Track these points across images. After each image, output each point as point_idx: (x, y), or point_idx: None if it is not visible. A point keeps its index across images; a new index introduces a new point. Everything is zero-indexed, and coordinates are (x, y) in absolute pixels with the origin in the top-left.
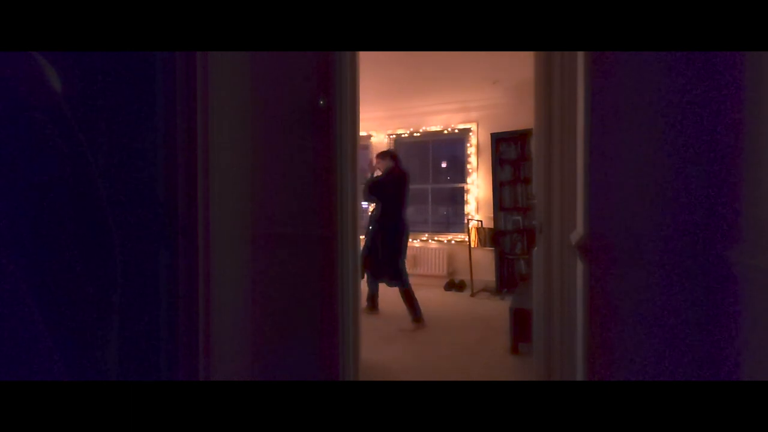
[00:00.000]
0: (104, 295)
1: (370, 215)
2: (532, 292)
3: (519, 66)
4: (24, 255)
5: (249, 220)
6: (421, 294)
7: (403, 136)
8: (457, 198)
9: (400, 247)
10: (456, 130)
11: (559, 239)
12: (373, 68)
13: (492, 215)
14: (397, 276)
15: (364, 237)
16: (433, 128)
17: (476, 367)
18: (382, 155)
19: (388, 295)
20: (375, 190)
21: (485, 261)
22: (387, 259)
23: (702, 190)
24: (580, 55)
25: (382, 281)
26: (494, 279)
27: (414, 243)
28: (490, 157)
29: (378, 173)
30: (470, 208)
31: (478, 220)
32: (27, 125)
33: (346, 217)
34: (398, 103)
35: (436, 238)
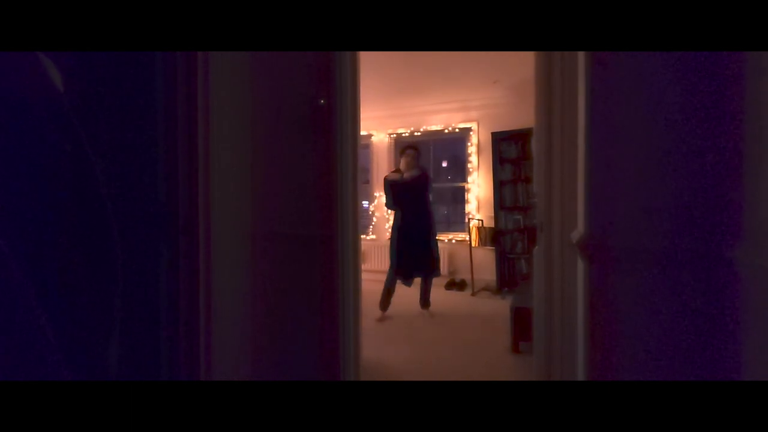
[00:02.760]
0: (105, 295)
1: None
2: (533, 291)
3: (519, 65)
4: (26, 254)
5: (250, 219)
6: None
7: (403, 135)
8: (458, 197)
9: (430, 238)
10: (456, 130)
11: (560, 238)
12: (374, 68)
13: (493, 214)
14: (434, 268)
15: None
16: (434, 127)
17: (477, 366)
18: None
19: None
20: (393, 200)
21: (486, 260)
22: (424, 252)
23: (703, 188)
24: (581, 55)
25: (418, 276)
26: (495, 278)
27: None
28: (491, 157)
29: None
30: (471, 207)
31: (478, 220)
32: (28, 124)
33: (346, 217)
34: (399, 103)
35: (437, 238)
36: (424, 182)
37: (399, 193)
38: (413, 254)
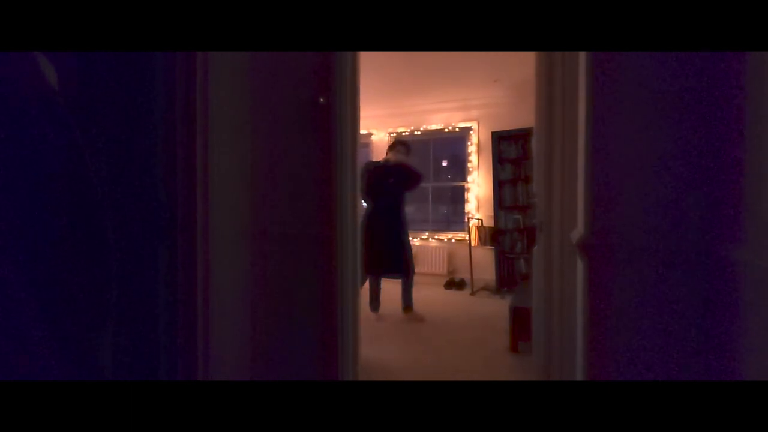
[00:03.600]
0: (101, 295)
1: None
2: (532, 291)
3: (520, 65)
4: (20, 254)
5: (248, 219)
6: (421, 292)
7: (403, 134)
8: (458, 196)
9: (405, 238)
10: (457, 129)
11: (560, 238)
12: (374, 66)
13: (492, 214)
14: (407, 268)
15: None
16: (434, 127)
17: (476, 366)
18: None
19: (387, 293)
20: (365, 191)
21: (485, 260)
22: (395, 251)
23: (703, 188)
24: (581, 55)
25: (388, 277)
26: (494, 278)
27: (414, 241)
28: (491, 156)
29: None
30: (471, 207)
31: (478, 219)
32: (24, 123)
33: (345, 216)
34: (399, 102)
35: (436, 237)
36: (408, 175)
37: (374, 180)
38: (382, 253)
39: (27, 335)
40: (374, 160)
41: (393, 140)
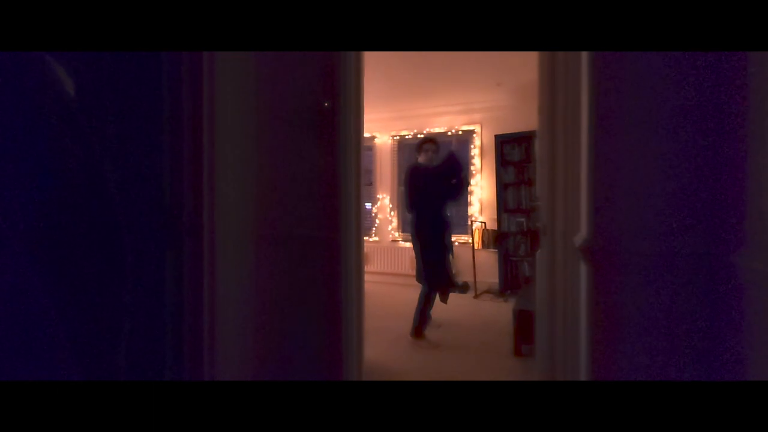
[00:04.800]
0: (116, 297)
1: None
2: (536, 294)
3: (523, 68)
4: (38, 257)
5: (254, 221)
6: None
7: (407, 137)
8: (461, 199)
9: (428, 244)
10: (460, 132)
11: (563, 241)
12: (378, 69)
13: (496, 217)
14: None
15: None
16: (437, 130)
17: (479, 369)
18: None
19: (390, 296)
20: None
21: (489, 262)
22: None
23: (707, 192)
24: (584, 56)
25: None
26: (498, 281)
27: None
28: (494, 159)
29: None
30: (474, 210)
31: (481, 222)
32: (40, 128)
33: (349, 219)
34: (402, 105)
35: None
36: (454, 182)
37: (421, 184)
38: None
39: (48, 338)
40: (417, 163)
41: (420, 140)
